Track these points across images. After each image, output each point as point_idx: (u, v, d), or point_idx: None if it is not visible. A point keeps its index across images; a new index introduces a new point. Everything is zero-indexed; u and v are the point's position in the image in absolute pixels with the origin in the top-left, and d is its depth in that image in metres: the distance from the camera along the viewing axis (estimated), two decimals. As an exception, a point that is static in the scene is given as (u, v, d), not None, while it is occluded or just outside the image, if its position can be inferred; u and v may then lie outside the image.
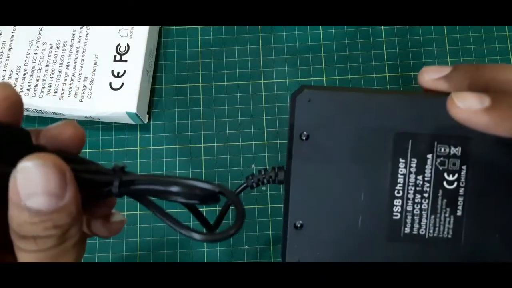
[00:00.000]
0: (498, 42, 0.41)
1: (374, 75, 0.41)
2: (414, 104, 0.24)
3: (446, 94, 0.23)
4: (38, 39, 0.39)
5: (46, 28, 0.39)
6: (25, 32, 0.39)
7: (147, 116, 0.40)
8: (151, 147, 0.40)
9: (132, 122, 0.40)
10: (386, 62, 0.41)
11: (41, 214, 0.16)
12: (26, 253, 0.17)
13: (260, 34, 0.42)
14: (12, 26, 0.40)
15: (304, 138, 0.24)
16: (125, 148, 0.40)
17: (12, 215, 0.16)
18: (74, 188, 0.16)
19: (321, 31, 0.42)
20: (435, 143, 0.24)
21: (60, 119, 0.40)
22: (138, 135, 0.40)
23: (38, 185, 0.16)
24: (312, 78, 0.41)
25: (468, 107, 0.20)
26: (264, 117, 0.40)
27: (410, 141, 0.24)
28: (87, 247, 0.38)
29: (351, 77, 0.41)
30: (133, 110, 0.37)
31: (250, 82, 0.41)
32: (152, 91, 0.41)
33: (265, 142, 0.40)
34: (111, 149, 0.40)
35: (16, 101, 0.18)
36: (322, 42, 0.42)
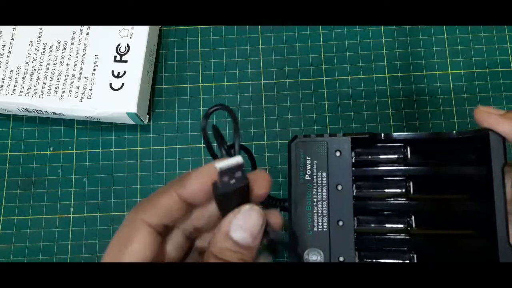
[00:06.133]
0: (497, 43, 0.41)
1: (374, 76, 0.41)
2: None
3: None
4: (39, 39, 0.39)
5: (47, 29, 0.40)
6: (26, 33, 0.39)
7: (147, 116, 0.40)
8: (151, 147, 0.40)
9: (132, 123, 0.40)
10: (385, 63, 0.41)
11: (238, 246, 0.21)
12: None
13: (260, 35, 0.42)
14: (12, 26, 0.40)
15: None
16: (125, 148, 0.40)
17: (216, 241, 0.21)
18: (259, 240, 0.21)
19: (321, 31, 0.42)
20: None
21: (61, 119, 0.40)
22: (138, 135, 0.40)
23: (247, 223, 0.21)
24: (312, 79, 0.41)
25: None
26: (264, 118, 0.40)
27: None
28: (88, 247, 0.38)
29: (351, 78, 0.41)
30: (133, 110, 0.37)
31: (250, 82, 0.41)
32: (152, 91, 0.41)
33: (265, 142, 0.40)
34: (111, 149, 0.40)
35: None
36: (322, 43, 0.42)
